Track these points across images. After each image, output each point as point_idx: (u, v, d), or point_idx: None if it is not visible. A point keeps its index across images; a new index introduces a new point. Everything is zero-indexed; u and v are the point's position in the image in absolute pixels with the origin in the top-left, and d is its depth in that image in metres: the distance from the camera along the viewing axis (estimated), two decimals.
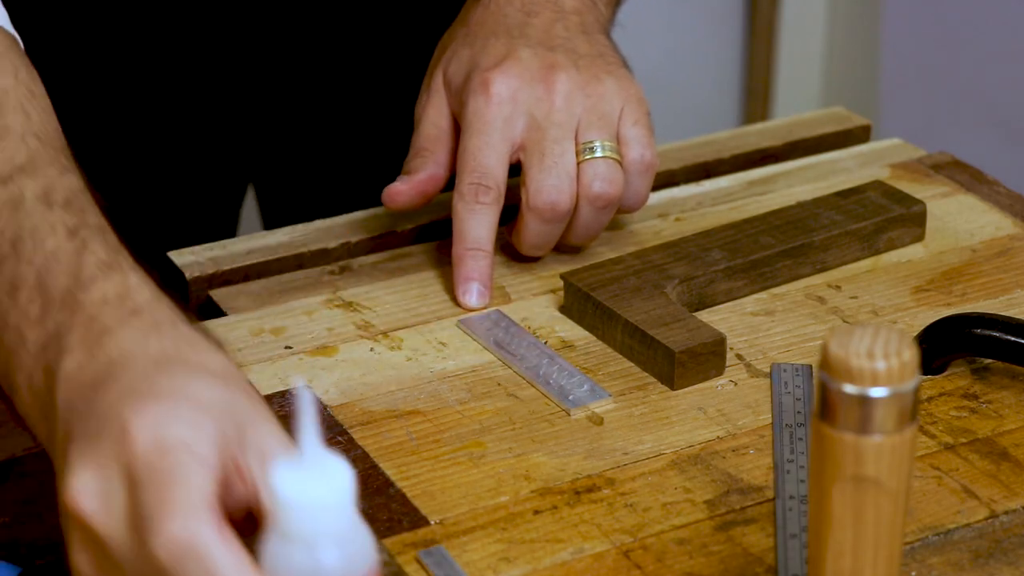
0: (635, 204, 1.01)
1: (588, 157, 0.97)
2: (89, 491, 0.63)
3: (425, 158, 1.01)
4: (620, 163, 0.98)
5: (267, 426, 0.66)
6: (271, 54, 1.23)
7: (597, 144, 0.97)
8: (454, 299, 0.98)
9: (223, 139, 1.27)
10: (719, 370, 0.92)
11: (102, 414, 0.65)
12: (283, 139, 1.28)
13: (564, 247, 1.02)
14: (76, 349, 0.68)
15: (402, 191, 1.00)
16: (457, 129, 1.00)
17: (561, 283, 0.97)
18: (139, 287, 0.71)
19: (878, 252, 1.04)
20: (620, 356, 0.93)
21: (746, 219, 1.03)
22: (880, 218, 1.03)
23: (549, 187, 0.96)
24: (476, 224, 0.97)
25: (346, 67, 1.25)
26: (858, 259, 1.03)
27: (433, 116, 1.01)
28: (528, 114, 0.97)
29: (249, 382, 0.70)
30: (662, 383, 0.91)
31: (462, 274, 0.97)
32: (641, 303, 0.94)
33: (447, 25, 1.06)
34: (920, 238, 1.05)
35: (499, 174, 0.97)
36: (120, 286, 0.71)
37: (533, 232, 0.98)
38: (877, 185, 1.07)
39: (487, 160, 0.97)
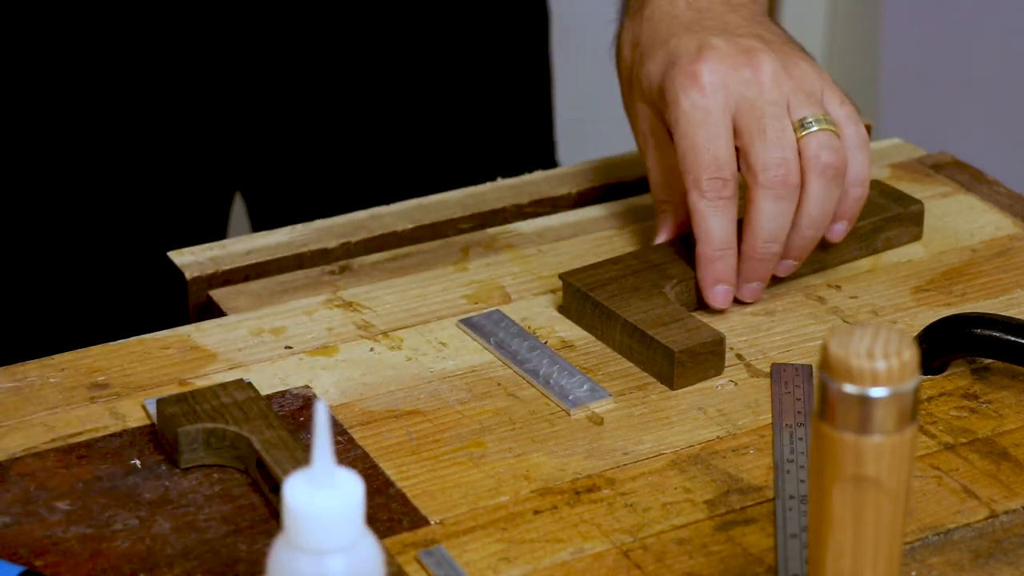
0: (860, 179, 0.98)
1: (807, 132, 0.95)
2: None
3: (664, 211, 1.02)
4: (838, 136, 0.96)
5: None
6: (259, 60, 1.23)
7: (811, 119, 0.95)
8: (459, 298, 0.98)
9: (210, 145, 1.26)
10: (719, 370, 0.92)
11: None
12: (270, 144, 1.28)
13: (798, 245, 0.97)
14: None
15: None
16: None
17: (560, 283, 0.97)
18: None
19: (875, 251, 1.04)
20: (620, 356, 0.93)
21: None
22: (878, 217, 1.03)
23: (776, 160, 0.94)
24: (721, 222, 0.95)
25: (334, 72, 1.25)
26: (856, 258, 1.03)
27: (652, 147, 1.01)
28: (741, 97, 0.95)
29: None
30: (662, 383, 0.91)
31: (712, 276, 0.96)
32: (640, 303, 0.94)
33: (439, 26, 1.05)
34: (918, 237, 1.05)
35: (733, 164, 0.95)
36: None
37: (767, 215, 0.95)
38: (875, 184, 1.07)
39: (720, 152, 0.95)
